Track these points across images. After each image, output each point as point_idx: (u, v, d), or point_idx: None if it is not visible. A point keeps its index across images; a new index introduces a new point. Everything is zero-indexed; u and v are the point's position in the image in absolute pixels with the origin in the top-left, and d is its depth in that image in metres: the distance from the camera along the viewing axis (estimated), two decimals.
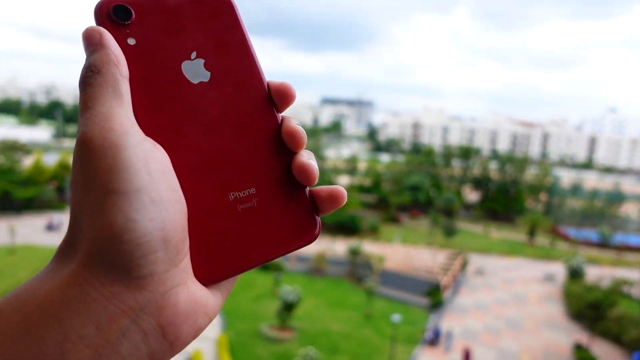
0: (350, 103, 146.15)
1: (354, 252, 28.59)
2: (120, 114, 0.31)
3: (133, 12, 0.36)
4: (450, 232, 34.33)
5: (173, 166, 0.34)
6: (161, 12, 0.37)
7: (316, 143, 54.34)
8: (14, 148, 36.80)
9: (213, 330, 20.41)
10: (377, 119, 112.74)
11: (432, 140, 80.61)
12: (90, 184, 0.30)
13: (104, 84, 0.32)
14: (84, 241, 0.30)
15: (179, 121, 0.36)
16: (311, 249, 31.08)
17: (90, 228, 0.29)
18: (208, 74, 0.38)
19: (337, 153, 56.22)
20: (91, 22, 0.36)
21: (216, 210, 0.36)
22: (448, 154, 50.92)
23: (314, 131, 72.21)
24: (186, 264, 0.33)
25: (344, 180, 47.49)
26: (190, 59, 0.38)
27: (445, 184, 47.90)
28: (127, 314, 0.29)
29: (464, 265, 30.52)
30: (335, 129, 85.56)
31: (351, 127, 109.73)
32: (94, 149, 0.30)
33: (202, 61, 0.38)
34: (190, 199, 0.34)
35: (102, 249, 0.29)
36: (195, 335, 0.33)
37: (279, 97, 0.40)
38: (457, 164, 50.48)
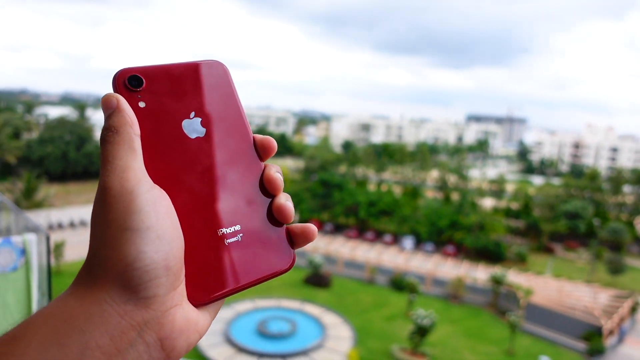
0: (499, 120, 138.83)
1: (497, 281, 27.02)
2: (135, 167, 0.39)
3: (144, 80, 0.44)
4: (616, 269, 30.43)
5: (174, 207, 0.42)
6: (166, 79, 0.46)
7: (460, 163, 52.53)
8: None
9: (344, 344, 20.71)
10: (530, 137, 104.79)
11: (597, 162, 72.72)
12: (110, 223, 0.37)
13: (121, 142, 0.40)
14: (102, 268, 0.37)
15: (179, 170, 0.44)
16: (449, 274, 30.07)
17: (108, 257, 0.37)
18: (204, 130, 0.46)
19: (482, 173, 53.59)
20: (108, 86, 0.46)
21: (207, 244, 0.44)
22: (618, 178, 45.29)
23: (457, 150, 69.80)
24: (182, 288, 0.40)
25: (488, 202, 45.04)
26: (190, 118, 0.46)
27: (613, 213, 42.90)
28: (135, 328, 0.36)
29: (634, 310, 26.56)
30: (481, 147, 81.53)
31: (499, 146, 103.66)
32: (114, 195, 0.38)
33: (199, 119, 0.46)
34: (186, 235, 0.42)
35: (118, 275, 0.36)
36: (187, 348, 0.40)
37: (263, 149, 0.49)
38: (628, 190, 44.99)
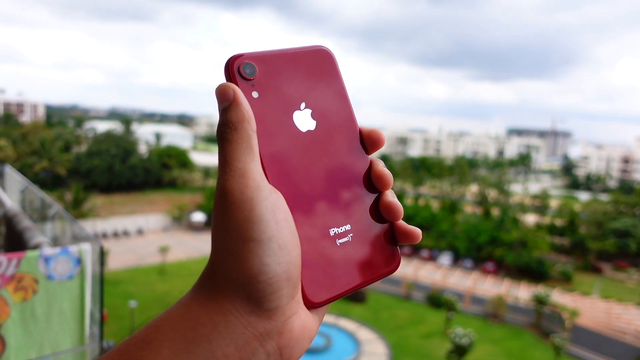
0: (542, 134, 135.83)
1: (541, 301, 26.36)
2: (253, 170, 0.39)
3: (257, 68, 0.42)
4: None
5: (289, 209, 0.41)
6: (277, 67, 0.44)
7: (500, 177, 51.60)
8: None
9: None
10: (575, 151, 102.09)
11: None
12: (230, 231, 0.38)
13: (239, 140, 0.39)
14: (225, 278, 0.38)
15: (292, 167, 0.43)
16: (489, 292, 29.43)
17: (231, 268, 0.38)
18: (314, 122, 0.45)
19: (524, 188, 52.45)
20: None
21: (320, 245, 0.43)
22: None
23: (498, 164, 68.53)
24: (299, 296, 0.41)
25: (530, 218, 44.00)
26: (300, 110, 0.44)
27: None
28: (258, 338, 0.37)
29: None
30: (523, 161, 79.81)
31: (542, 160, 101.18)
32: (234, 202, 0.38)
33: (309, 111, 0.45)
34: (301, 237, 0.41)
35: (242, 287, 0.37)
36: (301, 354, 0.40)
37: (370, 142, 0.48)
38: None
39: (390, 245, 0.47)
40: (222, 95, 0.40)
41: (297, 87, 0.45)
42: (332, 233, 0.44)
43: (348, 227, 0.45)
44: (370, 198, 0.47)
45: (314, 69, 0.46)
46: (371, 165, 0.48)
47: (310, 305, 0.42)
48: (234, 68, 0.42)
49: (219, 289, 0.38)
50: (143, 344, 0.36)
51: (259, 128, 0.41)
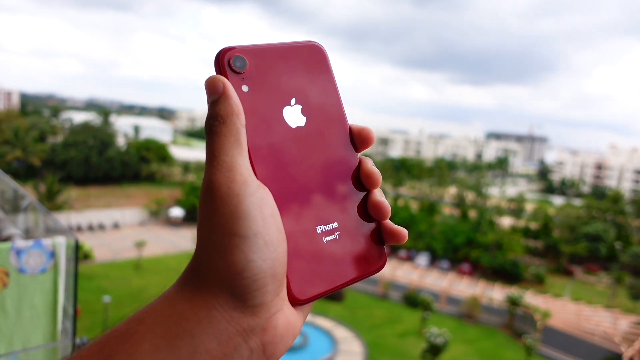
0: (520, 138, 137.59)
1: (514, 302, 26.66)
2: (241, 164, 0.38)
3: (247, 62, 0.41)
4: (639, 294, 29.70)
5: (277, 205, 0.40)
6: (268, 61, 0.43)
7: (478, 180, 52.19)
8: None
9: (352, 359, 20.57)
10: (551, 156, 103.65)
11: (620, 184, 71.20)
12: (216, 226, 0.37)
13: (228, 133, 0.38)
14: (210, 273, 0.37)
15: (280, 163, 0.42)
16: (464, 293, 29.74)
17: (216, 263, 0.37)
18: (304, 119, 0.44)
19: (501, 191, 53.14)
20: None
21: (307, 242, 0.43)
22: None
23: (476, 167, 69.38)
24: (284, 293, 0.40)
25: (506, 221, 44.59)
26: (290, 105, 0.43)
27: (636, 237, 41.93)
28: (241, 334, 0.37)
29: None
30: (500, 165, 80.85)
31: (519, 164, 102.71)
32: (220, 197, 0.37)
33: (300, 107, 0.44)
34: (288, 233, 0.41)
35: (226, 282, 0.37)
36: (285, 351, 0.40)
37: (360, 140, 0.47)
38: None
39: (377, 244, 0.47)
40: (212, 88, 0.40)
41: (288, 83, 0.44)
42: (319, 230, 0.44)
43: (335, 224, 0.45)
44: (358, 196, 0.46)
45: (305, 65, 0.45)
46: (360, 163, 0.47)
47: (296, 302, 0.41)
48: (225, 61, 0.41)
49: (203, 283, 0.37)
50: (125, 337, 0.36)
51: (248, 122, 0.41)
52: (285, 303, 0.40)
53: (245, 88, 0.41)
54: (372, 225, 0.47)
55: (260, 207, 0.38)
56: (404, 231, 0.47)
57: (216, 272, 0.37)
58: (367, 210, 0.46)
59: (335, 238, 0.44)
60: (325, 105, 0.46)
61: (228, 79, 0.40)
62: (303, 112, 0.44)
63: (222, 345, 0.36)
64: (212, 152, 0.38)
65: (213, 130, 0.39)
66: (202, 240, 0.38)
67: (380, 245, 0.47)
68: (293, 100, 0.44)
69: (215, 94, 0.39)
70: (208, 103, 0.40)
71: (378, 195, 0.47)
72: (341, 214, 0.45)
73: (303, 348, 21.39)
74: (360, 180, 0.47)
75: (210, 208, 0.38)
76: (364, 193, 0.47)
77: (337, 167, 0.45)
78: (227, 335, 0.36)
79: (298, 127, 0.44)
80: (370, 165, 0.47)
